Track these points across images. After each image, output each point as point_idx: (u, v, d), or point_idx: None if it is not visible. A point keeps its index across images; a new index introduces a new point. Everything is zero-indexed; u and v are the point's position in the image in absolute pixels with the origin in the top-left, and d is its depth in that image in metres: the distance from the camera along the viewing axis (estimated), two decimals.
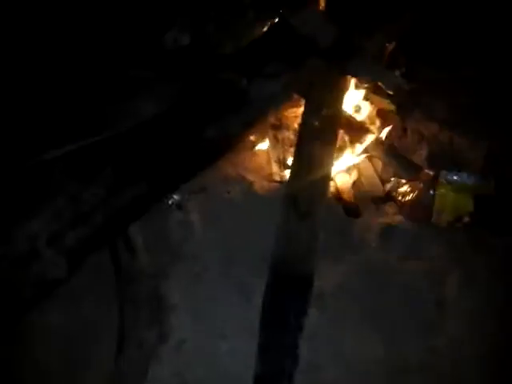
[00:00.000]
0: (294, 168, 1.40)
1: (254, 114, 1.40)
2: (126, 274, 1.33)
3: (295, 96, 1.57)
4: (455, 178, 1.45)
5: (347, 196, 1.58)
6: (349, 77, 1.54)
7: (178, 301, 1.37)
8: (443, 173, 1.47)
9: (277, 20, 1.75)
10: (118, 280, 1.33)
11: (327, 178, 1.41)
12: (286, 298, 1.23)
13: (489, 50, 1.98)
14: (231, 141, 1.41)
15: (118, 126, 1.36)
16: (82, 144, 1.32)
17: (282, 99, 1.47)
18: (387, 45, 1.65)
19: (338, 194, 1.60)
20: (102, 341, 1.31)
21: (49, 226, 1.14)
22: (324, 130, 1.44)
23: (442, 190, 1.44)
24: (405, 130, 1.79)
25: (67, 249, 1.16)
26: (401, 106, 1.77)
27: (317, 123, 1.43)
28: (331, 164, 1.44)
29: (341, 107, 1.54)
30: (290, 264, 1.27)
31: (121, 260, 1.34)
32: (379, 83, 1.53)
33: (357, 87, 1.65)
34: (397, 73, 1.64)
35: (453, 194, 1.43)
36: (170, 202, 1.53)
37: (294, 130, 1.71)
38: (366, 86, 1.62)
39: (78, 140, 1.33)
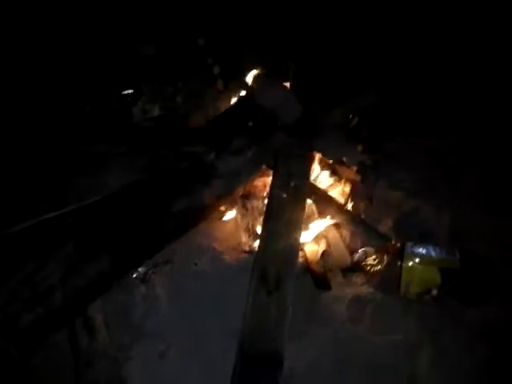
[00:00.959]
0: (263, 241, 1.39)
1: (222, 188, 1.40)
2: (84, 357, 1.24)
3: (264, 167, 1.59)
4: (421, 250, 1.47)
5: (316, 267, 1.57)
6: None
7: None
8: (409, 245, 1.49)
9: (244, 93, 1.81)
10: (75, 363, 1.24)
11: (296, 250, 1.41)
12: (255, 380, 1.17)
13: (449, 122, 2.09)
14: (200, 214, 1.40)
15: (84, 198, 1.33)
16: (44, 218, 1.28)
17: (249, 173, 1.48)
18: (350, 119, 1.71)
19: (307, 265, 1.59)
20: None
21: (1, 309, 1.07)
22: (292, 201, 1.45)
23: (410, 263, 1.45)
24: (371, 199, 1.83)
25: (19, 333, 1.09)
26: (366, 176, 1.82)
27: (285, 195, 1.44)
28: (300, 235, 1.44)
29: (308, 179, 1.57)
30: (258, 342, 1.22)
31: (79, 341, 1.26)
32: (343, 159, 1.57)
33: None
34: (359, 148, 1.69)
35: (420, 267, 1.44)
36: (133, 276, 1.48)
37: (263, 198, 1.72)
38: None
39: (41, 214, 1.29)
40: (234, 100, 1.94)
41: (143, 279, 1.46)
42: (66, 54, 1.94)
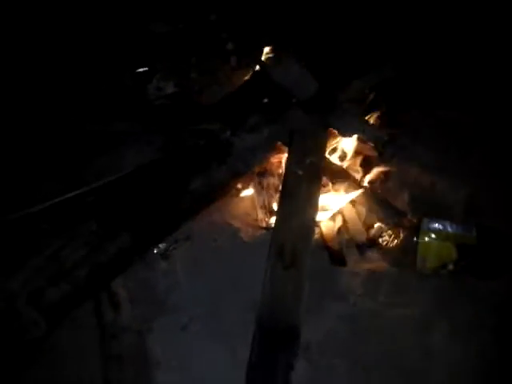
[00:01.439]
0: (279, 218, 1.41)
1: (239, 165, 1.42)
2: (109, 330, 1.29)
3: (279, 144, 1.59)
4: (437, 226, 1.48)
5: (332, 243, 1.59)
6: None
7: (163, 356, 1.34)
8: (425, 220, 1.50)
9: (258, 69, 1.80)
10: (101, 336, 1.30)
11: (312, 226, 1.42)
12: (273, 352, 1.21)
13: (466, 95, 2.06)
14: (217, 191, 1.42)
15: (103, 177, 1.36)
16: (67, 196, 1.32)
17: (265, 150, 1.49)
18: (366, 94, 1.70)
19: (323, 241, 1.61)
20: None
21: (29, 284, 1.13)
22: (308, 178, 1.46)
23: (426, 239, 1.46)
24: (387, 174, 1.83)
25: (47, 306, 1.14)
26: (383, 152, 1.81)
27: (301, 172, 1.45)
28: (316, 212, 1.45)
29: (324, 155, 1.57)
30: (276, 316, 1.26)
31: (104, 315, 1.31)
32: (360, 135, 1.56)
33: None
34: (376, 123, 1.68)
35: (436, 242, 1.45)
36: (154, 251, 1.52)
37: (279, 175, 1.73)
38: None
39: (63, 192, 1.32)
40: (248, 76, 1.93)
41: (164, 255, 1.50)
42: (81, 34, 1.95)
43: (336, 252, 1.57)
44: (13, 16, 1.83)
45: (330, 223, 1.65)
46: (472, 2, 2.10)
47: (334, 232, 1.63)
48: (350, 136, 1.58)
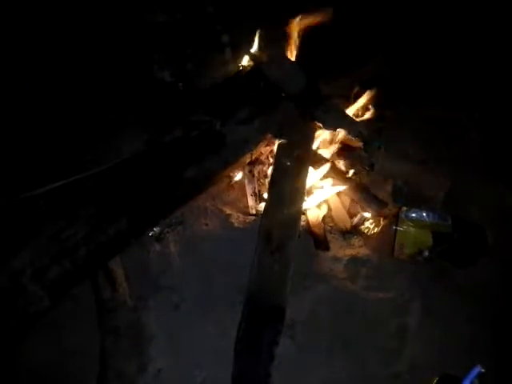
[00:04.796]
0: (268, 205, 1.49)
1: (231, 156, 1.50)
2: (106, 306, 1.38)
3: (269, 136, 1.67)
4: (414, 215, 1.58)
5: (317, 230, 1.68)
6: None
7: (156, 331, 1.44)
8: (404, 210, 1.59)
9: (250, 63, 1.86)
10: (99, 311, 1.39)
11: (299, 213, 1.51)
12: (259, 329, 1.30)
13: (452, 90, 2.15)
14: (210, 179, 1.50)
15: (102, 164, 1.43)
16: (67, 181, 1.39)
17: (256, 141, 1.57)
18: (352, 88, 1.77)
19: (308, 228, 1.70)
20: (84, 371, 1.36)
21: (33, 261, 1.20)
22: (295, 169, 1.55)
23: (404, 227, 1.56)
24: (372, 165, 1.92)
25: (50, 283, 1.22)
26: (368, 144, 1.89)
27: (289, 163, 1.54)
28: (302, 200, 1.54)
29: (311, 147, 1.65)
30: (263, 296, 1.35)
31: (102, 292, 1.40)
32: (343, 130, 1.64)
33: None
34: (361, 116, 1.75)
35: (413, 230, 1.55)
36: (149, 234, 1.60)
37: (269, 164, 1.81)
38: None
39: (63, 177, 1.39)
40: (239, 69, 1.99)
41: (158, 238, 1.59)
42: (78, 25, 2.00)
43: (320, 238, 1.67)
44: (13, 9, 1.88)
45: (316, 211, 1.74)
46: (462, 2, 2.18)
47: (319, 219, 1.72)
48: (334, 130, 1.66)
